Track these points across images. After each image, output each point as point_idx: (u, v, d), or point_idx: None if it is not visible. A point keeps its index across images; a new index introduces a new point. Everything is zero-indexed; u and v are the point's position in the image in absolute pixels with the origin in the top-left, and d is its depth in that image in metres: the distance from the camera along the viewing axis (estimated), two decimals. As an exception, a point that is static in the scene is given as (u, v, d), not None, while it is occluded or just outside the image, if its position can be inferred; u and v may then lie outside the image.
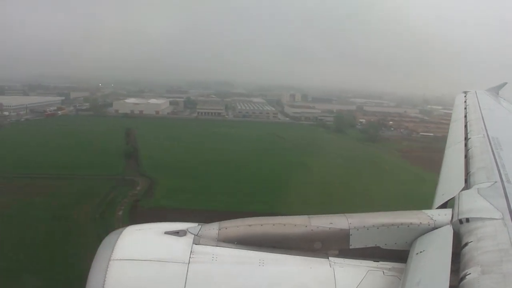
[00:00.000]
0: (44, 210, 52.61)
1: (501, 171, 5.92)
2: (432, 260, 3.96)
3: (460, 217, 4.42)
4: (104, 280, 3.84)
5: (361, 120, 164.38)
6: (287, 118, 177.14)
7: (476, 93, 15.13)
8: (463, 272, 3.41)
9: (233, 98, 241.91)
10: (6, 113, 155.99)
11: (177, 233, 4.43)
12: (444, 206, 5.48)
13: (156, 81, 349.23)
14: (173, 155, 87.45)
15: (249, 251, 4.31)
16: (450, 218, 4.58)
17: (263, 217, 4.74)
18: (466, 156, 7.47)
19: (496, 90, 17.18)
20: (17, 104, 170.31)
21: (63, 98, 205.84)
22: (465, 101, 13.73)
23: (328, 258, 4.34)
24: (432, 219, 4.60)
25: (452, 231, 4.30)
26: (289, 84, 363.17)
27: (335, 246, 4.51)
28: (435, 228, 4.50)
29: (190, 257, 4.10)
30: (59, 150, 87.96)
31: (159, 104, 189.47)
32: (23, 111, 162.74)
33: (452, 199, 5.30)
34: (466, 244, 3.89)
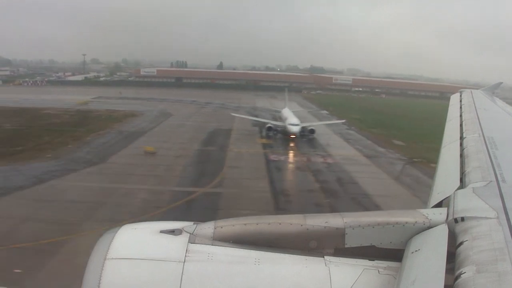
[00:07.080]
0: None
1: (496, 170, 5.94)
2: (427, 259, 3.96)
3: (455, 216, 4.42)
4: (100, 280, 3.82)
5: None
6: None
7: (471, 93, 15.21)
8: (458, 271, 3.41)
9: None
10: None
11: (172, 232, 4.42)
12: (439, 205, 5.50)
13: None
14: None
15: (244, 250, 4.30)
16: (445, 217, 4.59)
17: (258, 216, 4.73)
18: (461, 155, 7.50)
19: (491, 90, 17.29)
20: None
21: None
22: (460, 101, 13.79)
23: (323, 257, 4.33)
24: (427, 218, 4.61)
25: (447, 230, 4.30)
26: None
27: (330, 245, 4.51)
28: (430, 227, 4.50)
29: (185, 256, 4.08)
30: None
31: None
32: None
33: (447, 198, 5.31)
34: (461, 243, 3.89)
